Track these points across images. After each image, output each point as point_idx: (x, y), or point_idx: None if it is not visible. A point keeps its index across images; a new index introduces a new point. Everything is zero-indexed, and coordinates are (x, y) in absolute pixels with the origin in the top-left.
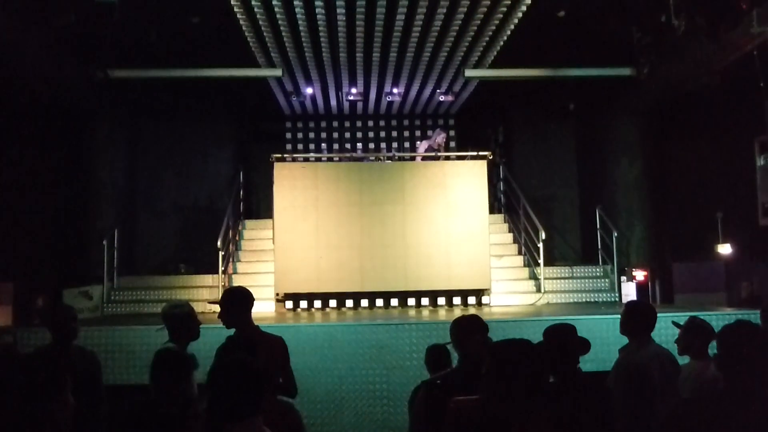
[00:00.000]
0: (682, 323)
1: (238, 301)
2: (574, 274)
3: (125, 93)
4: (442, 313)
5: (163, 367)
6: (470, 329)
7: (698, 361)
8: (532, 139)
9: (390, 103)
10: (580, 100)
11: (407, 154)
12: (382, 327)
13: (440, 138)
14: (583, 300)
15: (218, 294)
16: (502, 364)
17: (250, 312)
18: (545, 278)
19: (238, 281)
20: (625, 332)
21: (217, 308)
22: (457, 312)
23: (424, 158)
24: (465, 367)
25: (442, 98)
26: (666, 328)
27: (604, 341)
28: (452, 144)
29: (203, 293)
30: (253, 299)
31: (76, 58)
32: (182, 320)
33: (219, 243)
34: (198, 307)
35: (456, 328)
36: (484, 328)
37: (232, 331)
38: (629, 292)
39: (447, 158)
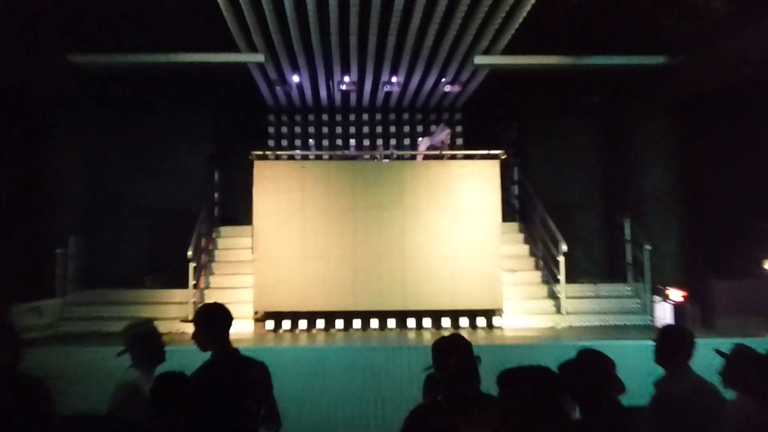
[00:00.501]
0: (726, 351)
1: (214, 319)
2: (600, 293)
3: (88, 81)
4: (435, 340)
5: (167, 394)
6: (450, 350)
7: (746, 395)
8: (550, 137)
9: (388, 94)
10: (606, 93)
11: (407, 153)
12: (377, 351)
13: (444, 134)
14: (611, 323)
15: (189, 311)
16: (513, 392)
17: (228, 332)
18: (567, 297)
19: (211, 297)
20: (660, 361)
21: (190, 328)
22: (464, 335)
23: (426, 157)
24: (448, 391)
25: (447, 89)
26: (707, 357)
27: (635, 371)
28: (459, 141)
29: (171, 310)
30: (232, 318)
31: (33, 41)
32: (143, 341)
33: (189, 252)
34: (166, 327)
35: (435, 351)
36: (465, 348)
37: (207, 355)
38: (664, 314)
39: (453, 157)
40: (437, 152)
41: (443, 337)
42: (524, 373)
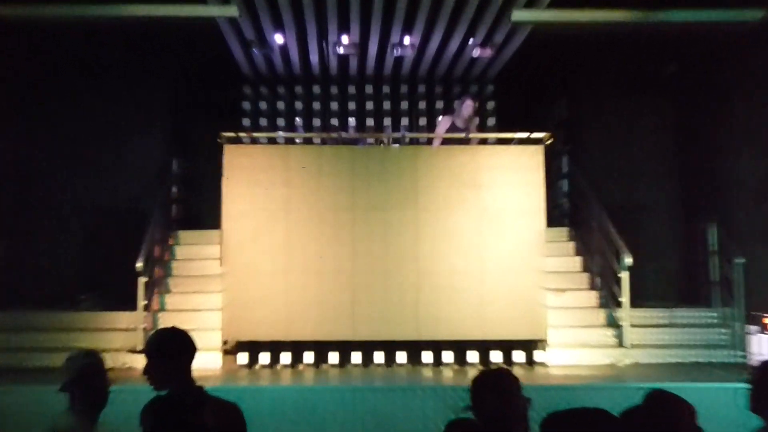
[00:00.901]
0: None
1: (172, 349)
2: (675, 321)
3: (9, 39)
4: (474, 374)
5: None
6: (491, 387)
7: None
8: (610, 117)
9: (399, 60)
10: (687, 59)
11: (422, 135)
12: (382, 393)
13: (467, 109)
14: (689, 359)
15: (138, 340)
16: None
17: (190, 366)
18: (631, 325)
19: (167, 321)
20: (756, 409)
21: (140, 361)
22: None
23: (446, 142)
24: None
25: (476, 53)
26: None
27: (723, 421)
28: (491, 122)
29: (115, 339)
30: (195, 348)
31: None
32: (86, 377)
33: (139, 264)
34: (110, 360)
35: (474, 388)
36: (510, 385)
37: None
38: (761, 348)
39: (483, 142)
40: (462, 135)
41: (485, 371)
42: (576, 418)
